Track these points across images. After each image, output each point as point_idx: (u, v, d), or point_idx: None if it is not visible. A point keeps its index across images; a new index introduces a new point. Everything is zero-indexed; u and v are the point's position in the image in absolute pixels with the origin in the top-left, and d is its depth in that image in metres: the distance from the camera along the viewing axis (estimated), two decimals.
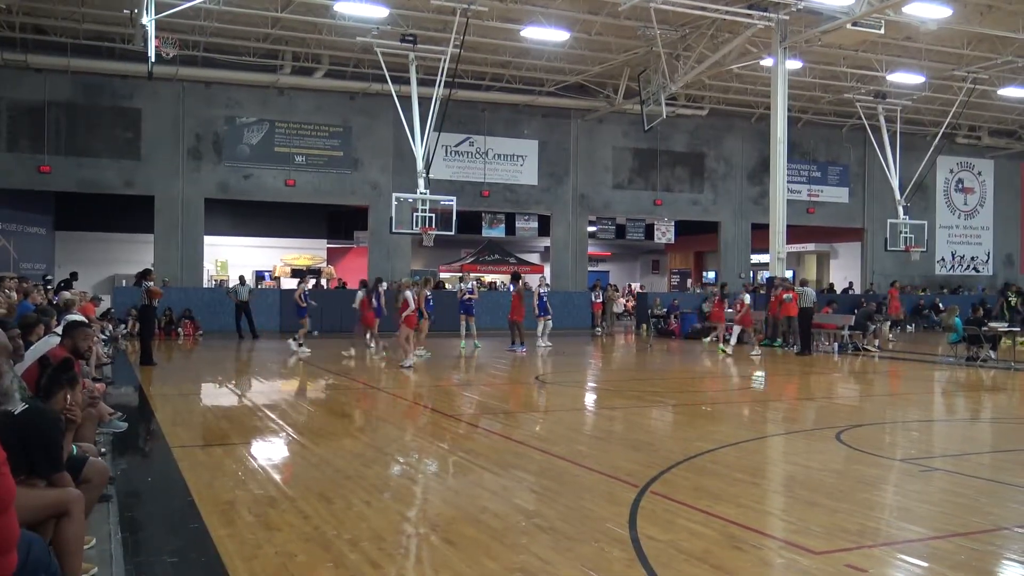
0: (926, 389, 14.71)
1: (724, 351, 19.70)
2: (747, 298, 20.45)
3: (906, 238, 26.95)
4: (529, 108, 29.22)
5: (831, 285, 35.58)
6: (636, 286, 42.20)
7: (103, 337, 16.84)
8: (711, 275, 39.26)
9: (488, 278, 37.60)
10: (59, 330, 7.96)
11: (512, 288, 22.35)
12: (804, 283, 21.92)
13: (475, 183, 29.17)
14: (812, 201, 33.48)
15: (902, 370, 17.76)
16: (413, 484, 7.19)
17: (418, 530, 5.65)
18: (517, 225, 31.07)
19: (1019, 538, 5.65)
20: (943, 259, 36.12)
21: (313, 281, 23.06)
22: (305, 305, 19.45)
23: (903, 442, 9.74)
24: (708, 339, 22.87)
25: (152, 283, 16.54)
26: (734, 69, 24.66)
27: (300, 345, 19.09)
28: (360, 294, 19.39)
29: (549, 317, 21.66)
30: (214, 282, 30.65)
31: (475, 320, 20.69)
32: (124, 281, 27.82)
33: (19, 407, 4.16)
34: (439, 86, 21.41)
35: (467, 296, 20.98)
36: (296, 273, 33.58)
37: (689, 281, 41.42)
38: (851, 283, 34.77)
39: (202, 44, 24.32)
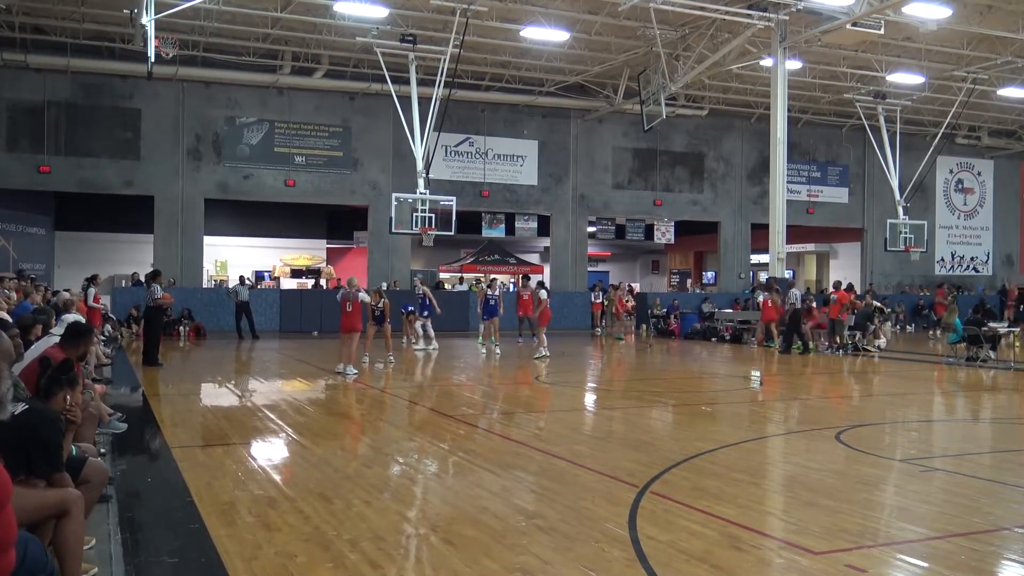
0: (926, 389, 14.71)
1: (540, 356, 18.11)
2: (543, 295, 19.43)
3: (906, 238, 26.95)
4: (529, 108, 29.20)
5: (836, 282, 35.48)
6: (635, 286, 42.06)
7: (102, 337, 16.83)
8: (711, 275, 39.25)
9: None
10: (56, 330, 7.94)
11: (522, 287, 22.66)
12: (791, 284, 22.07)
13: (475, 183, 29.16)
14: (812, 201, 33.46)
15: (902, 370, 17.75)
16: (413, 484, 7.19)
17: (418, 530, 5.64)
18: (517, 225, 31.04)
19: (1019, 538, 5.65)
20: (943, 259, 36.10)
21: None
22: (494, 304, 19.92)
23: (903, 442, 9.74)
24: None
25: (161, 286, 16.40)
26: (734, 69, 24.65)
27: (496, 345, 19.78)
28: (544, 294, 19.45)
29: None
30: (214, 282, 30.62)
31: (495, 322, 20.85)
32: (124, 281, 27.81)
33: (18, 408, 4.15)
34: (439, 86, 21.40)
35: (492, 300, 20.81)
36: (296, 273, 33.61)
37: (689, 281, 41.37)
38: (851, 283, 34.67)
39: (202, 44, 24.31)
